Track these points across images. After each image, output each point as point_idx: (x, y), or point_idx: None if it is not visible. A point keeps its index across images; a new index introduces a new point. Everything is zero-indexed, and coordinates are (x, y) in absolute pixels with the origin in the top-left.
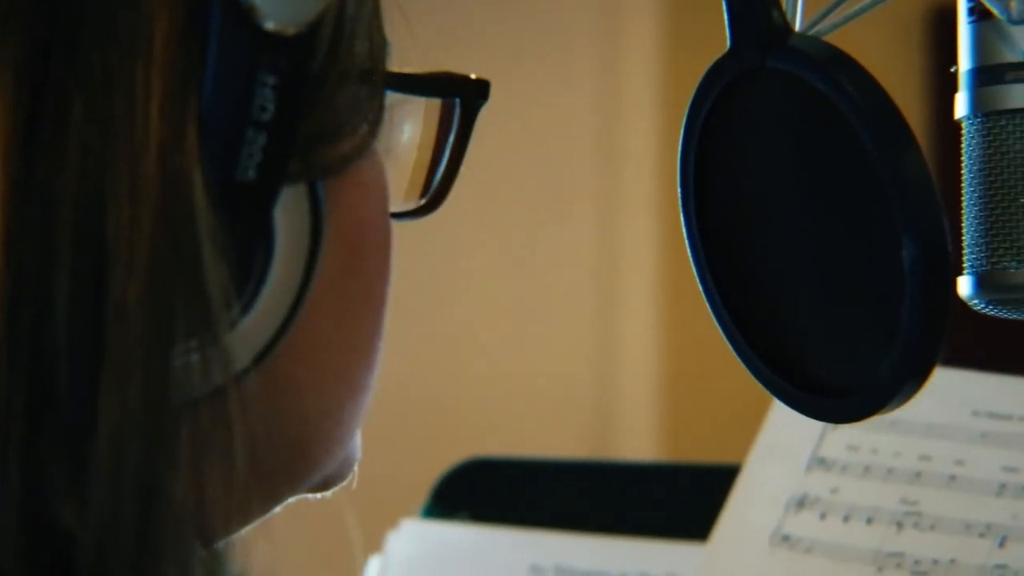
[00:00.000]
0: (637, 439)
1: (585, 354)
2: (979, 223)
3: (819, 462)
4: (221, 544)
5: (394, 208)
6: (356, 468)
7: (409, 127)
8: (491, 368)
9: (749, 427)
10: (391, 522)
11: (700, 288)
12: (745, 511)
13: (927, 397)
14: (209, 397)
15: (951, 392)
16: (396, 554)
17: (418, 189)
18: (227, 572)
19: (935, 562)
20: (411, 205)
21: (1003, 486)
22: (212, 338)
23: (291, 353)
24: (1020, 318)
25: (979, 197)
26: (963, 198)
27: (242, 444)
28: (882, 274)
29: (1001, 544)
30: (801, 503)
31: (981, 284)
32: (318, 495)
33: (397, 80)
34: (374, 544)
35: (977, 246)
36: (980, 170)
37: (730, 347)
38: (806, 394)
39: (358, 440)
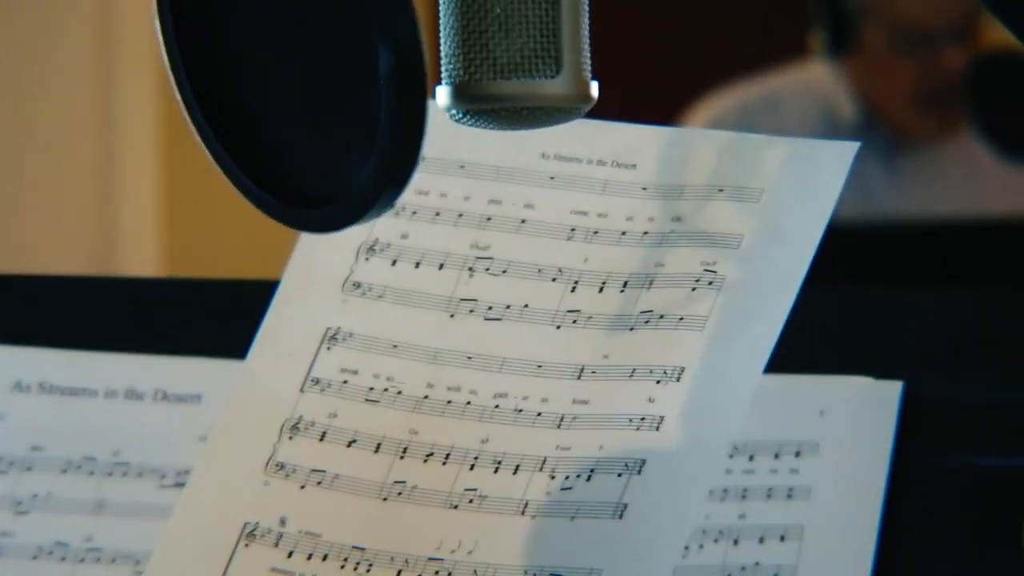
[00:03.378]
0: (139, 255)
1: (86, 172)
2: (455, 34)
3: None
4: None
5: None
6: None
7: None
8: None
9: (249, 242)
10: None
11: (179, 98)
12: (314, 258)
13: (496, 140)
14: None
15: (515, 134)
16: None
17: None
18: None
19: (508, 307)
20: None
21: (573, 230)
22: None
23: None
24: (494, 129)
25: (455, 7)
26: (440, 7)
27: None
28: (361, 84)
29: (573, 289)
30: (372, 249)
31: (457, 94)
32: None
33: None
34: None
35: (454, 56)
36: None
37: (211, 159)
38: (286, 204)
39: None
